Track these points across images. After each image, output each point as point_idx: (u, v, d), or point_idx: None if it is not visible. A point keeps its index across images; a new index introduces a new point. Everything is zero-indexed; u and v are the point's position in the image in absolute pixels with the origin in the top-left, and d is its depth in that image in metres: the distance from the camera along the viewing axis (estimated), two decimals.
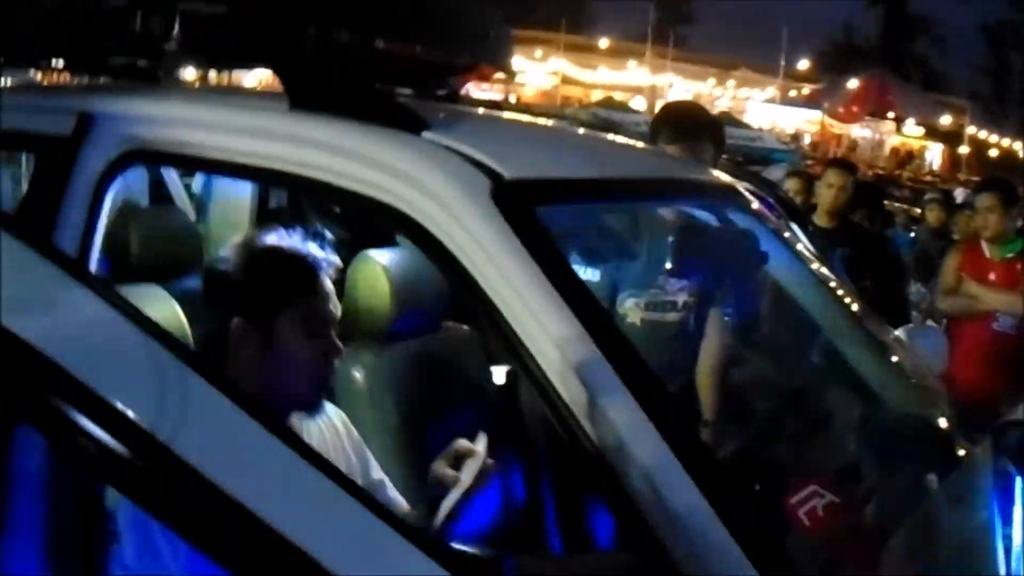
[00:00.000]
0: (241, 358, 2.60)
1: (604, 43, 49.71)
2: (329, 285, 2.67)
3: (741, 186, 3.44)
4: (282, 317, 2.58)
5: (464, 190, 2.05)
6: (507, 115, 3.34)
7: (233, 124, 2.50)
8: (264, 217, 4.98)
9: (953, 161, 46.21)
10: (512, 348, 1.88)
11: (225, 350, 2.61)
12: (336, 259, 2.73)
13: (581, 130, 3.47)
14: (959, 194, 10.31)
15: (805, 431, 3.01)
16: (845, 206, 7.71)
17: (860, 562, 2.38)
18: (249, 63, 2.86)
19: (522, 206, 2.07)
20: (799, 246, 3.63)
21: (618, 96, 41.88)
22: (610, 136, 3.41)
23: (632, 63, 47.06)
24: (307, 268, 2.64)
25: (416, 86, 3.29)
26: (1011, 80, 70.10)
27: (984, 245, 7.25)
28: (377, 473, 2.95)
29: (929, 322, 6.71)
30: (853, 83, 44.10)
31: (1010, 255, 7.13)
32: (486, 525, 3.25)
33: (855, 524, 2.47)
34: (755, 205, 3.40)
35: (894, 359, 3.60)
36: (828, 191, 7.60)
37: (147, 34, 2.86)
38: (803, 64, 53.85)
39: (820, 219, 7.48)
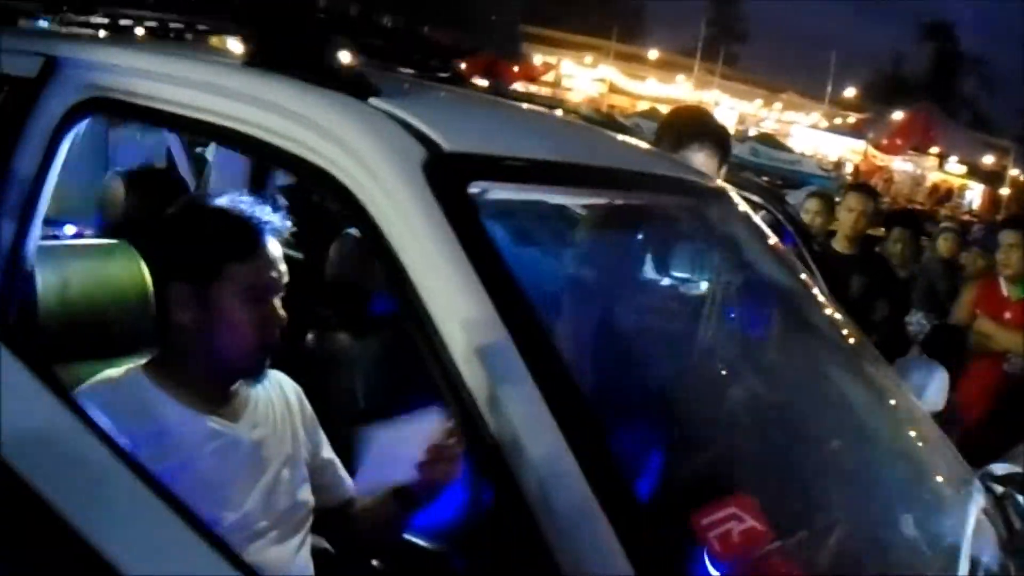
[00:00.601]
0: (180, 321, 2.52)
1: (654, 54, 49.77)
2: (274, 250, 2.57)
3: (734, 193, 3.35)
4: (219, 281, 2.49)
5: (395, 158, 1.96)
6: (476, 93, 3.24)
7: (185, 77, 2.44)
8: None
9: (993, 201, 46.01)
10: (420, 324, 1.79)
11: (167, 315, 2.55)
12: (286, 224, 2.63)
13: (553, 115, 3.38)
14: (976, 230, 10.07)
15: (755, 450, 2.91)
16: (864, 231, 7.51)
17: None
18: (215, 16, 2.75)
19: (455, 179, 1.98)
20: (785, 255, 3.52)
21: (665, 109, 41.87)
22: (586, 125, 3.34)
23: (680, 77, 47.09)
24: (250, 230, 2.54)
25: (417, 65, 3.26)
26: None
27: (1002, 283, 7.12)
28: (327, 452, 2.88)
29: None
30: (898, 115, 43.97)
31: None
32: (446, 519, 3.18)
33: (777, 556, 2.36)
34: (736, 210, 3.30)
35: (879, 385, 3.49)
36: (848, 215, 7.37)
37: None
38: (850, 92, 53.79)
39: (839, 243, 7.37)
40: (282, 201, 2.68)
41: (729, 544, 2.14)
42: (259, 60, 2.36)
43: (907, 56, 71.15)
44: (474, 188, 2.03)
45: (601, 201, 3.07)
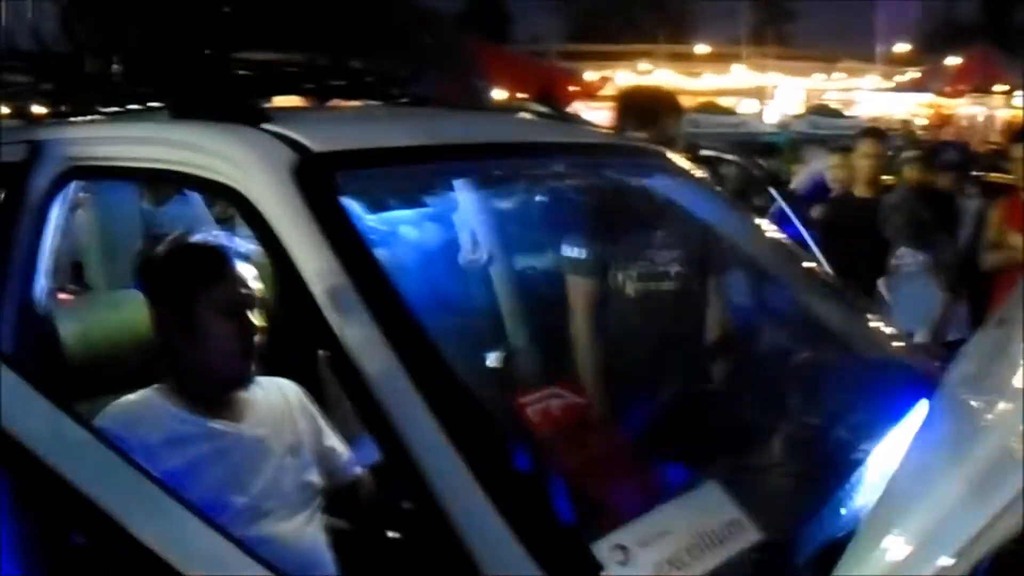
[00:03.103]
0: (172, 343, 3.06)
1: (704, 49, 49.58)
2: (241, 271, 3.08)
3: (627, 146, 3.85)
4: (197, 303, 3.00)
5: (268, 163, 2.52)
6: (382, 108, 3.72)
7: (129, 136, 3.05)
8: None
9: None
10: (296, 283, 2.32)
11: (161, 340, 3.09)
12: (248, 247, 3.12)
13: (438, 111, 3.83)
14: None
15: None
16: (880, 175, 7.86)
17: (591, 459, 2.71)
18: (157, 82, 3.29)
19: (320, 174, 2.53)
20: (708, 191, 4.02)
21: (725, 101, 41.50)
22: (491, 115, 3.87)
23: (737, 67, 46.75)
24: (217, 256, 3.08)
25: (380, 96, 3.73)
26: None
27: None
28: (329, 441, 3.29)
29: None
30: (953, 60, 43.20)
31: None
32: None
33: (596, 425, 2.76)
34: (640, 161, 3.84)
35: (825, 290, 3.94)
36: (864, 161, 7.70)
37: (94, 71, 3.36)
38: (903, 48, 53.12)
39: (859, 190, 7.73)
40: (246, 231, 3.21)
41: (547, 418, 2.58)
42: (180, 111, 2.97)
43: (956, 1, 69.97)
44: (340, 176, 2.56)
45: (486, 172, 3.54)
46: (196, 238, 3.18)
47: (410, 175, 2.88)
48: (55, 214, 3.03)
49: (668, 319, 4.20)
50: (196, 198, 6.62)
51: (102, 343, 3.34)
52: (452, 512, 1.98)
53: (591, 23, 62.05)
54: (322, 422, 3.31)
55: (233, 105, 2.82)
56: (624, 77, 43.41)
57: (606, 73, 42.60)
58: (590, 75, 40.07)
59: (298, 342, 2.67)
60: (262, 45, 3.38)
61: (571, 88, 34.92)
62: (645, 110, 4.66)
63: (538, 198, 3.96)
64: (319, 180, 2.50)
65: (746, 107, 42.19)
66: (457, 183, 3.70)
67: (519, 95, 12.41)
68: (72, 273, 5.48)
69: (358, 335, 2.20)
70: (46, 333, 3.11)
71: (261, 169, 2.51)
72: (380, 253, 2.39)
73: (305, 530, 3.07)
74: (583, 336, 4.03)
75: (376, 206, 2.63)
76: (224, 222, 5.32)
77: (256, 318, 3.07)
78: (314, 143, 2.61)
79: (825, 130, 30.05)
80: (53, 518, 2.42)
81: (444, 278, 3.61)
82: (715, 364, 4.06)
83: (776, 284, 3.97)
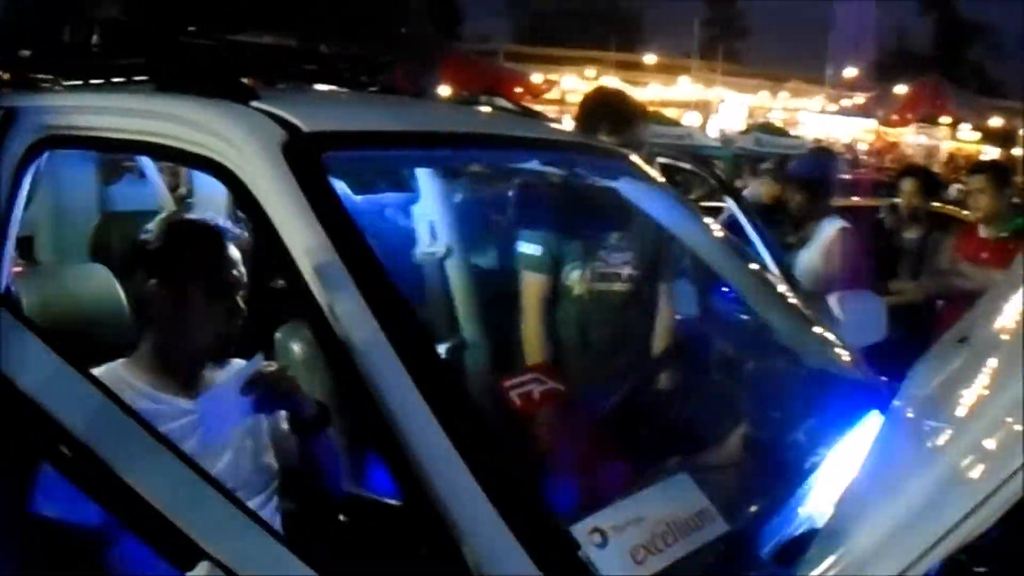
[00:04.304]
0: (158, 314, 3.08)
1: (652, 59, 49.81)
2: (234, 253, 3.12)
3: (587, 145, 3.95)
4: (190, 279, 3.04)
5: (260, 141, 2.56)
6: (360, 93, 3.78)
7: (112, 107, 3.05)
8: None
9: (1009, 164, 45.46)
10: (283, 256, 2.37)
11: (146, 309, 3.11)
12: (241, 232, 3.19)
13: (414, 100, 3.89)
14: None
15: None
16: None
17: (569, 444, 2.81)
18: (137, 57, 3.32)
19: (309, 151, 2.58)
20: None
21: (671, 112, 41.75)
22: (462, 107, 3.93)
23: (684, 79, 47.07)
24: (213, 237, 3.11)
25: (339, 81, 3.78)
26: None
27: (980, 227, 7.38)
28: (285, 425, 3.26)
29: None
30: (903, 89, 43.76)
31: (1004, 235, 7.21)
32: None
33: (575, 411, 2.85)
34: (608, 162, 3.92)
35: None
36: None
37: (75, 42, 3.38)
38: (852, 72, 53.65)
39: None
40: (240, 216, 3.26)
41: (531, 402, 2.66)
42: (167, 84, 3.01)
43: (910, 31, 70.91)
44: (328, 155, 2.62)
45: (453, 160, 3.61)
46: (194, 217, 3.23)
47: (394, 159, 2.93)
48: (27, 183, 3.04)
49: (618, 319, 4.27)
50: (150, 179, 6.62)
51: (59, 316, 3.39)
52: (436, 485, 2.03)
53: (540, 26, 62.25)
54: (282, 415, 3.30)
55: (222, 81, 2.86)
56: (570, 81, 43.68)
57: (552, 76, 42.82)
58: (536, 77, 40.25)
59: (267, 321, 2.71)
60: (234, 26, 3.41)
61: (517, 89, 35.16)
62: (615, 113, 4.68)
63: (507, 191, 4.02)
64: (309, 158, 2.55)
65: (690, 119, 42.51)
66: (424, 171, 3.75)
67: (464, 92, 12.42)
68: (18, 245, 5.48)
69: (346, 310, 2.24)
70: (11, 304, 3.11)
71: (252, 146, 2.54)
72: (367, 231, 2.43)
73: (262, 513, 3.07)
74: (531, 331, 4.09)
75: (361, 187, 2.68)
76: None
77: (241, 302, 3.12)
78: (303, 122, 2.66)
79: (768, 148, 30.46)
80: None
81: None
82: (662, 364, 4.13)
83: (732, 293, 4.05)
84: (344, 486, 3.37)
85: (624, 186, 3.98)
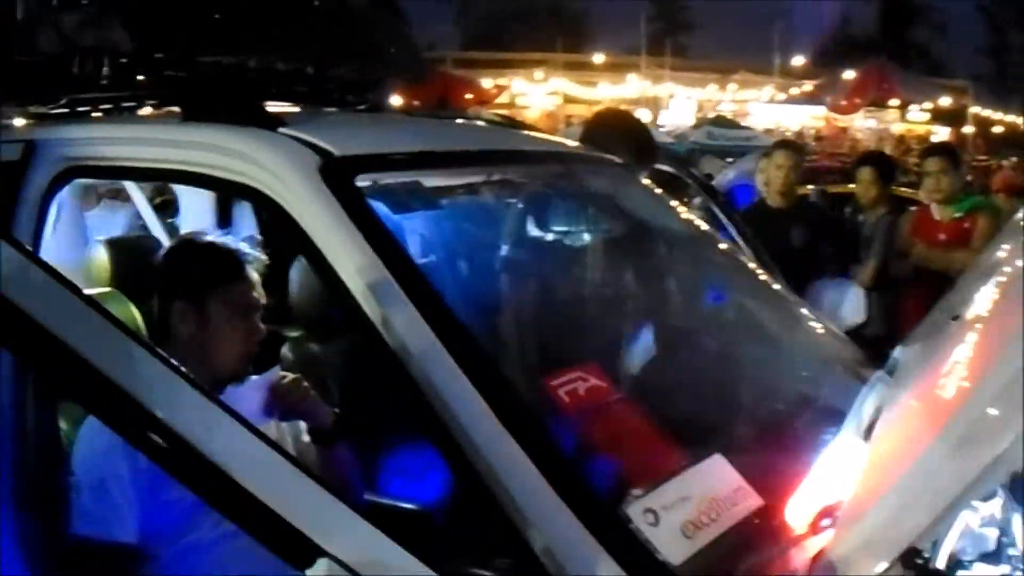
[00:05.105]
0: (181, 335, 3.17)
1: (600, 59, 49.78)
2: (254, 275, 3.23)
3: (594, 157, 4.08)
4: (214, 300, 3.15)
5: (297, 166, 2.70)
6: (370, 114, 3.91)
7: (139, 137, 3.18)
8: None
9: (959, 142, 45.78)
10: (328, 276, 2.51)
11: (168, 331, 3.20)
12: (260, 255, 3.28)
13: (432, 119, 4.03)
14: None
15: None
16: (795, 185, 8.01)
17: (616, 434, 2.94)
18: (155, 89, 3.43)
19: (344, 175, 2.71)
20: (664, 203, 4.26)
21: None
22: (465, 122, 4.07)
23: (632, 76, 47.05)
24: (235, 259, 3.21)
25: (330, 102, 3.90)
26: (1012, 57, 70.04)
27: (933, 208, 7.56)
28: (306, 437, 3.37)
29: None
30: (851, 74, 43.91)
31: (958, 215, 7.39)
32: None
33: (618, 404, 3.00)
34: (609, 171, 4.07)
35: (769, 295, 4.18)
36: (778, 172, 7.85)
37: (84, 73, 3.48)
38: (799, 61, 53.82)
39: (772, 200, 7.89)
40: (258, 238, 3.38)
41: (576, 398, 2.82)
42: (193, 115, 3.13)
43: (856, 16, 71.20)
44: (361, 179, 2.75)
45: (482, 177, 3.75)
46: (212, 238, 3.33)
47: (420, 179, 3.06)
48: (52, 213, 3.16)
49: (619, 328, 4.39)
50: (136, 202, 6.67)
51: None
52: (502, 480, 2.17)
53: (487, 31, 62.20)
54: (299, 420, 3.41)
55: (250, 109, 2.99)
56: (520, 85, 43.72)
57: (501, 81, 42.85)
58: (486, 82, 40.31)
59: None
60: (225, 50, 3.52)
61: (467, 95, 35.24)
62: (631, 142, 4.74)
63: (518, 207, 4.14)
64: (346, 181, 2.68)
65: (640, 117, 42.46)
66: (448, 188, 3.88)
67: (414, 102, 12.47)
68: None
69: (402, 324, 2.37)
70: None
71: (290, 172, 2.68)
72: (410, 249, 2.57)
73: None
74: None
75: (393, 207, 2.80)
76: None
77: (260, 322, 3.24)
78: (334, 147, 2.80)
79: (721, 141, 30.62)
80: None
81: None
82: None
83: (730, 288, 4.20)
84: (365, 494, 3.44)
85: (624, 195, 4.14)
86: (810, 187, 11.16)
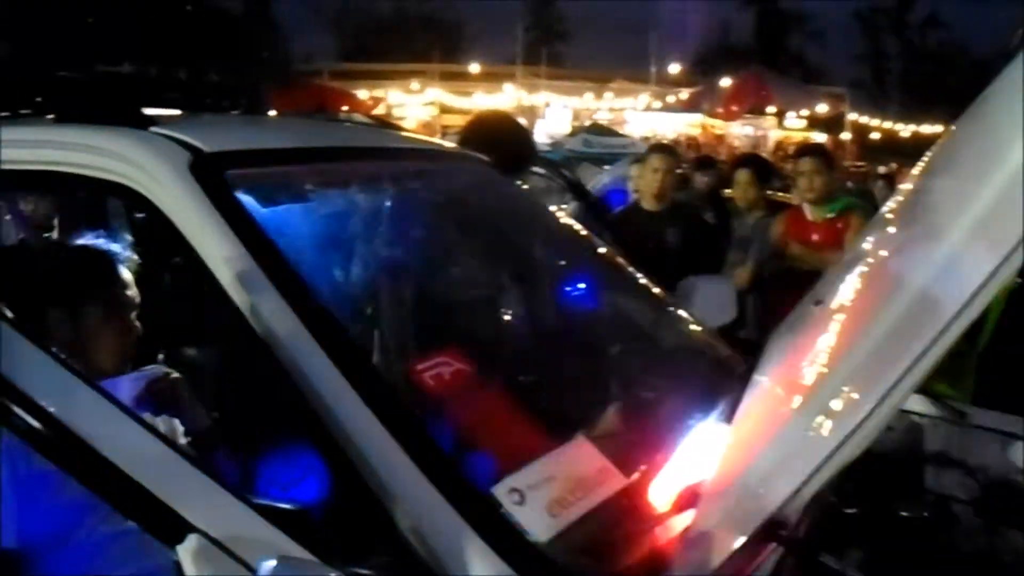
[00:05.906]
0: (58, 340, 3.17)
1: (476, 68, 49.94)
2: (127, 275, 3.27)
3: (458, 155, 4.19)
4: (90, 304, 3.16)
5: (167, 162, 2.78)
6: (242, 116, 3.99)
7: (11, 138, 3.17)
8: None
9: (836, 148, 46.38)
10: (197, 267, 2.59)
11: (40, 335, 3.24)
12: (132, 256, 3.34)
13: (301, 119, 4.12)
14: None
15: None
16: (670, 188, 8.04)
17: (482, 417, 3.06)
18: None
19: (213, 170, 2.80)
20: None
21: None
22: (334, 122, 4.18)
23: (508, 86, 47.21)
24: (107, 260, 3.25)
25: (203, 106, 3.96)
26: (887, 64, 71.44)
27: (806, 208, 7.56)
28: (182, 440, 3.26)
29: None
30: (728, 82, 44.53)
31: (831, 215, 7.40)
32: None
33: (483, 389, 3.11)
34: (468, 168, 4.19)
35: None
36: (653, 175, 7.91)
37: None
38: (676, 69, 54.47)
39: (647, 202, 7.99)
40: (128, 238, 3.42)
41: (441, 382, 2.92)
42: (65, 115, 3.18)
43: (732, 25, 72.09)
44: (230, 173, 2.83)
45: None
46: (83, 242, 3.35)
47: (288, 174, 3.14)
48: None
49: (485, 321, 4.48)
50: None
51: None
52: (372, 464, 2.26)
53: (363, 42, 62.11)
54: (175, 422, 3.46)
55: (122, 109, 3.05)
56: (396, 96, 43.77)
57: (378, 93, 42.87)
58: (363, 94, 40.31)
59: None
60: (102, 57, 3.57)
61: (344, 108, 35.18)
62: (506, 149, 4.77)
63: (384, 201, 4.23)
64: (214, 176, 2.77)
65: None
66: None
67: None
68: None
69: (269, 313, 2.45)
70: None
71: (160, 168, 2.75)
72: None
73: None
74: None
75: (262, 201, 2.88)
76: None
77: (135, 320, 3.27)
78: (203, 144, 2.88)
79: (598, 148, 30.89)
80: None
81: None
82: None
83: (598, 285, 4.31)
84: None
85: (488, 190, 4.27)
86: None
